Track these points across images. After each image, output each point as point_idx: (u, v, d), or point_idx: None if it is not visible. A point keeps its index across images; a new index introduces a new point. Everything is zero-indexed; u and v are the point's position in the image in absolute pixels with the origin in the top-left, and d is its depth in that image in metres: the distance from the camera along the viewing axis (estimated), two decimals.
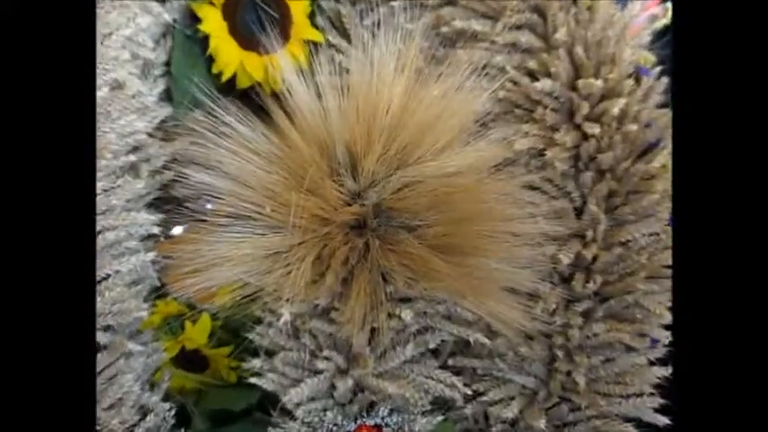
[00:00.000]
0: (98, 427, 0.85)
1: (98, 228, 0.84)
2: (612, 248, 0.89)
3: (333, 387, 0.86)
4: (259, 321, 0.86)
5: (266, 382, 0.86)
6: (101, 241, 0.83)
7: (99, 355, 0.83)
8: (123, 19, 0.87)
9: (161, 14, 0.92)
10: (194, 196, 0.86)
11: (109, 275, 0.84)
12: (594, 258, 0.89)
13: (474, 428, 0.95)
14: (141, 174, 0.89)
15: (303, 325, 0.84)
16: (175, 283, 0.85)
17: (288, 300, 0.81)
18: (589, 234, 0.88)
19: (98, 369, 0.85)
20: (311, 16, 0.97)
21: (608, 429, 0.94)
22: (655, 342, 0.95)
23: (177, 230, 0.93)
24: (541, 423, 0.91)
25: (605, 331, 0.90)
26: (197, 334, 0.93)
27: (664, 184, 0.92)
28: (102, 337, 0.83)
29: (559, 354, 0.90)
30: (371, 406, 0.86)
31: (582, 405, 0.93)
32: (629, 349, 0.93)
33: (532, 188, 0.89)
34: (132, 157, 0.87)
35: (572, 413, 0.93)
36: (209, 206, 0.87)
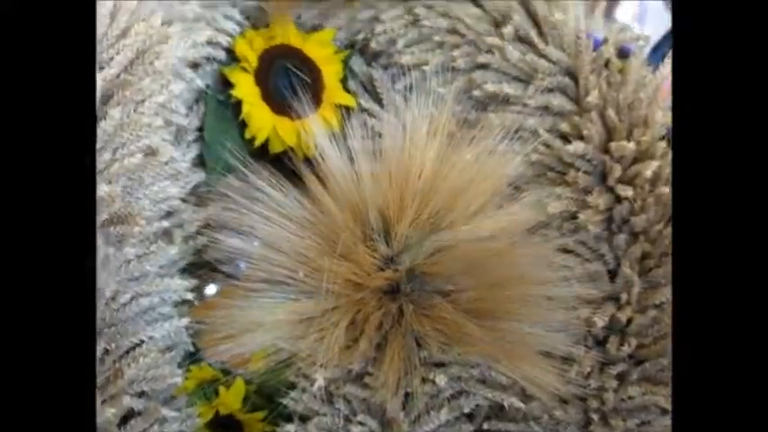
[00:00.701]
0: None
1: (132, 294, 0.83)
2: (647, 311, 0.88)
3: None
4: (293, 386, 0.85)
5: None
6: (134, 307, 0.82)
7: (133, 421, 0.82)
8: (156, 86, 0.86)
9: (194, 80, 0.92)
10: (227, 261, 0.88)
11: (143, 341, 0.83)
12: (629, 321, 0.88)
13: None
14: (175, 239, 0.88)
15: (337, 390, 0.83)
16: (209, 349, 0.86)
17: (322, 365, 0.80)
18: (623, 297, 0.87)
19: None
20: (343, 81, 0.98)
21: None
22: None
23: (210, 290, 0.94)
24: None
25: (640, 394, 0.88)
26: (231, 399, 0.92)
27: None
28: (136, 404, 0.82)
29: (594, 417, 0.89)
30: None
31: None
32: (665, 412, 0.91)
33: (566, 251, 0.89)
34: (165, 223, 0.86)
35: None
36: (242, 266, 0.88)
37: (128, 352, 0.82)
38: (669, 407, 0.93)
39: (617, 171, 0.87)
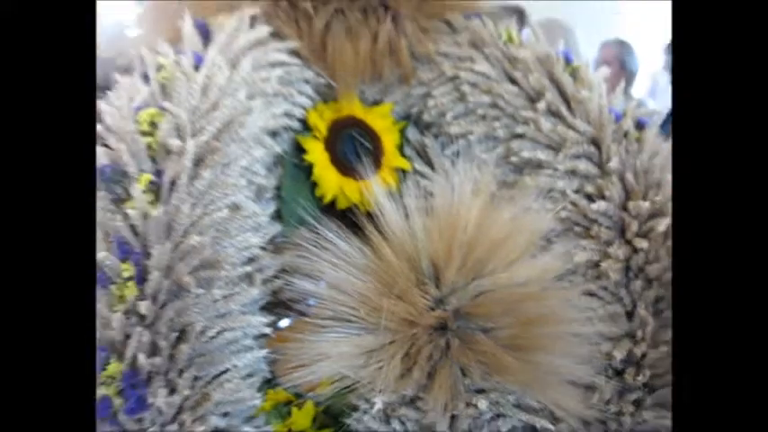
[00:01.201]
0: None
1: (218, 329, 0.87)
2: (659, 346, 0.93)
3: None
4: (355, 409, 0.88)
5: None
6: (221, 340, 0.86)
7: None
8: (241, 151, 0.90)
9: (272, 147, 0.95)
10: (299, 300, 0.90)
11: (228, 369, 0.87)
12: (644, 355, 0.93)
13: None
14: (255, 282, 0.91)
15: (393, 412, 0.87)
16: (284, 376, 0.88)
17: (380, 390, 0.84)
18: (639, 334, 0.93)
19: None
20: (400, 147, 1.02)
21: None
22: None
23: (284, 323, 0.97)
24: None
25: (653, 418, 0.93)
26: (302, 419, 0.94)
27: None
28: (221, 422, 0.86)
29: None
30: None
31: None
32: None
33: (590, 295, 0.94)
34: (248, 268, 0.90)
35: None
36: (312, 304, 0.90)
37: (215, 378, 0.86)
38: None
39: (634, 226, 0.93)
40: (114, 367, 0.83)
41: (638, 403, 0.95)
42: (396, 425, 0.88)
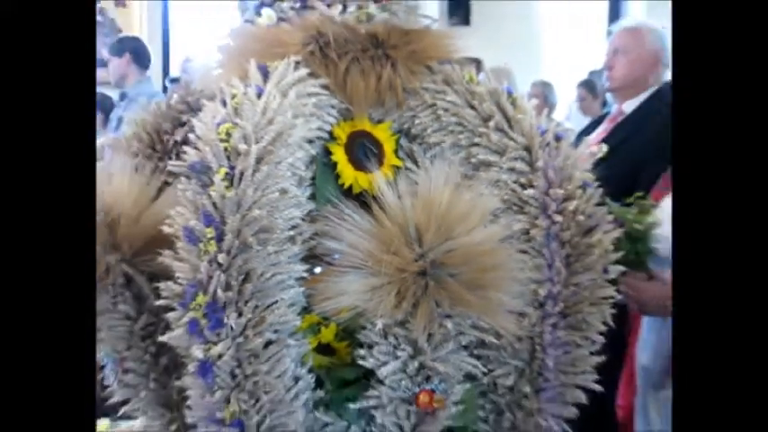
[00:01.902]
0: (267, 389, 0.87)
1: (271, 273, 0.86)
2: (569, 287, 0.94)
3: (406, 366, 0.88)
4: (364, 327, 0.89)
5: (368, 363, 0.89)
6: (273, 281, 0.86)
7: (271, 347, 0.86)
8: (288, 153, 0.89)
9: (309, 150, 0.93)
10: (328, 254, 0.90)
11: (277, 301, 0.87)
12: (558, 293, 0.93)
13: (487, 391, 0.98)
14: (297, 242, 0.90)
15: (389, 330, 0.88)
16: (316, 305, 0.89)
17: (381, 316, 0.85)
18: (555, 278, 0.93)
19: (271, 356, 0.87)
20: (395, 151, 1.00)
21: (566, 392, 0.99)
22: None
23: (317, 270, 0.94)
24: (527, 388, 0.96)
25: (565, 335, 0.94)
26: (329, 334, 0.94)
27: (600, 251, 0.97)
28: (272, 336, 0.86)
29: (538, 348, 0.95)
30: (428, 378, 0.89)
31: (551, 378, 0.97)
32: (578, 346, 0.97)
33: (523, 252, 0.93)
34: (291, 233, 0.89)
35: (545, 382, 0.97)
36: (336, 257, 0.89)
37: (268, 307, 0.86)
38: (582, 343, 0.98)
39: (553, 206, 0.92)
40: (201, 299, 0.84)
41: (554, 325, 0.96)
42: (391, 339, 0.88)
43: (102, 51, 3.05)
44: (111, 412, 1.21)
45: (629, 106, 1.80)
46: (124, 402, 1.07)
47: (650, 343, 1.45)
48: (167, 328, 0.91)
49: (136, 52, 3.02)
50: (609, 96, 2.16)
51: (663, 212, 1.19)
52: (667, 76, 1.78)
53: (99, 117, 2.82)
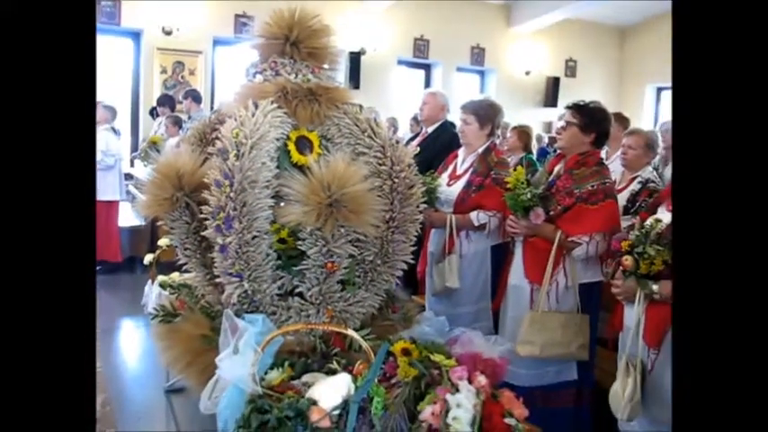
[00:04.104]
0: (252, 259, 1.33)
1: (256, 203, 1.33)
2: (401, 213, 1.48)
3: (321, 249, 1.38)
4: (301, 231, 1.38)
5: (303, 247, 1.39)
6: (258, 207, 1.36)
7: (255, 239, 1.33)
8: (266, 144, 1.38)
9: (276, 144, 1.42)
10: (284, 196, 1.38)
11: (258, 217, 1.36)
12: (395, 216, 1.49)
13: (360, 262, 1.52)
14: (269, 188, 1.39)
15: (313, 232, 1.39)
16: (278, 219, 1.39)
17: (309, 224, 1.34)
18: (394, 209, 1.49)
19: (255, 244, 1.31)
20: (320, 146, 1.53)
21: (397, 263, 1.54)
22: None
23: (282, 204, 1.40)
24: (378, 261, 1.51)
25: (398, 237, 1.50)
26: (284, 233, 1.47)
27: (415, 197, 1.49)
28: (255, 233, 1.34)
29: (385, 242, 1.51)
30: (332, 255, 1.39)
31: (390, 256, 1.51)
32: (403, 243, 1.51)
33: (379, 196, 1.47)
34: (266, 183, 1.39)
35: (388, 258, 1.53)
36: (289, 194, 1.35)
37: (254, 219, 1.35)
38: (406, 240, 1.48)
39: (394, 174, 1.49)
40: (221, 215, 1.34)
41: (393, 231, 1.50)
42: (314, 236, 1.41)
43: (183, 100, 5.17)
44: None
45: (430, 129, 3.26)
46: (184, 264, 1.60)
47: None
48: (206, 228, 1.41)
49: (194, 96, 5.05)
50: (422, 124, 3.38)
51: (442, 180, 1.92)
52: (448, 116, 3.24)
53: (177, 130, 4.66)
